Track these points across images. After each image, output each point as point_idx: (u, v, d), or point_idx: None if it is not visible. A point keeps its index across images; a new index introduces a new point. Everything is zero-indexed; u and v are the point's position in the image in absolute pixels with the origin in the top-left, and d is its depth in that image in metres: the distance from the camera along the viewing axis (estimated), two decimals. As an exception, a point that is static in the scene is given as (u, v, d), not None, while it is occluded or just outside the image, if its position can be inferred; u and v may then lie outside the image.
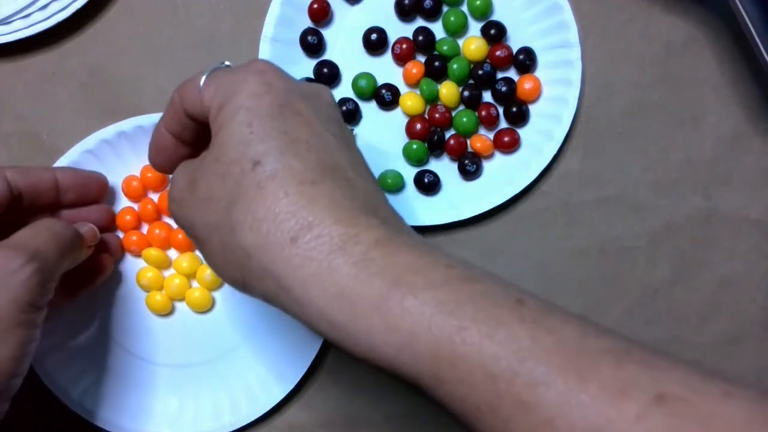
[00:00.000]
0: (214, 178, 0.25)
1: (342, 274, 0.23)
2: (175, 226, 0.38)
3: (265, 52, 0.37)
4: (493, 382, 0.21)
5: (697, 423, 0.19)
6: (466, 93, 0.38)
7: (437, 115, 0.38)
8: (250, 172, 0.24)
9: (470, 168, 0.38)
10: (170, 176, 0.32)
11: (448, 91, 0.38)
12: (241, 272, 0.25)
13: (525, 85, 0.38)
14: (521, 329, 0.22)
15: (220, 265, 0.26)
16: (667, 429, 0.19)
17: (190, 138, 0.29)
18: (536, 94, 0.38)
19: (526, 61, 0.38)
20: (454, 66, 0.38)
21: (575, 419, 0.20)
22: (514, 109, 0.38)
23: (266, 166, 0.24)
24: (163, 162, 0.30)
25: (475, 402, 0.21)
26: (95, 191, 0.37)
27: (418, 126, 0.38)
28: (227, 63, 0.28)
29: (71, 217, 0.36)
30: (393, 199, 0.38)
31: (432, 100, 0.38)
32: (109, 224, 0.38)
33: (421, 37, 0.38)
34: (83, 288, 0.36)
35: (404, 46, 0.38)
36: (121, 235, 0.38)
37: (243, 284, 0.26)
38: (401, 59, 0.38)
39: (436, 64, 0.38)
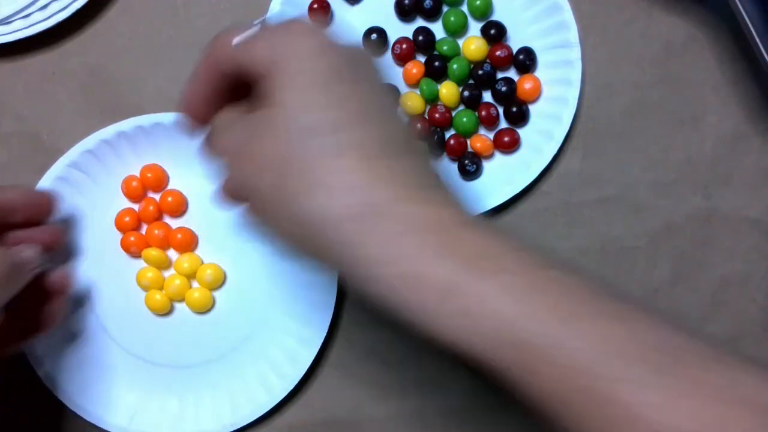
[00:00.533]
0: (270, 143, 0.24)
1: (409, 254, 0.22)
2: (174, 226, 0.38)
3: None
4: (567, 373, 0.21)
5: None
6: (466, 93, 0.38)
7: (437, 115, 0.38)
8: (311, 142, 0.24)
9: (470, 168, 0.38)
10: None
11: (448, 91, 0.38)
12: (299, 239, 0.25)
13: (525, 85, 0.38)
14: (598, 323, 0.21)
15: (278, 230, 0.25)
16: None
17: (225, 88, 0.28)
18: (536, 94, 0.38)
19: (526, 61, 0.38)
20: (454, 66, 0.38)
21: (663, 421, 0.20)
22: (514, 109, 0.38)
23: (329, 138, 0.23)
24: (197, 112, 0.28)
25: (546, 390, 0.21)
26: (45, 210, 0.35)
27: (418, 126, 0.38)
28: (264, 17, 0.27)
29: (18, 239, 0.34)
30: (393, 199, 0.38)
31: (432, 100, 0.38)
32: (58, 245, 0.36)
33: (421, 37, 0.38)
34: (33, 334, 0.35)
35: (404, 46, 0.38)
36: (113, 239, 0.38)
37: (299, 248, 0.25)
38: (401, 59, 0.38)
39: (436, 64, 0.38)
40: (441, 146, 0.38)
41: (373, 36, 0.38)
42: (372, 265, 0.23)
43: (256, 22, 0.27)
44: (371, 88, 0.25)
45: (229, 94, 0.28)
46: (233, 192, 0.27)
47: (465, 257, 0.22)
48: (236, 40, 0.26)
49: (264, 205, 0.26)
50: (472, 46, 0.38)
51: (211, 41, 0.27)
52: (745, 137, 0.39)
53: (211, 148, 0.28)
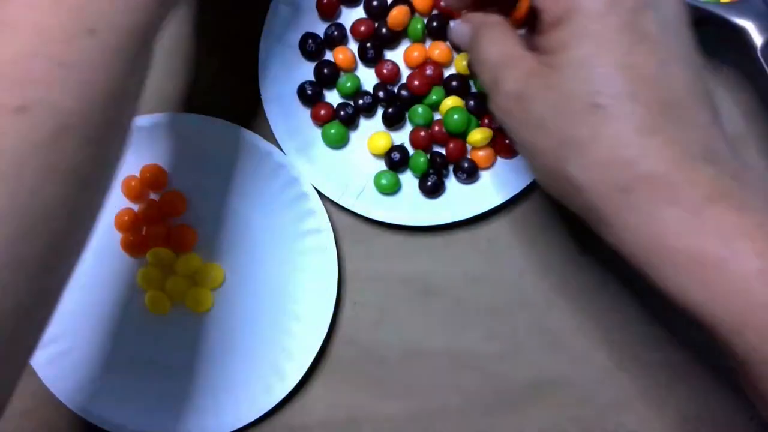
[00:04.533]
0: (547, 105, 0.25)
1: (668, 229, 0.23)
2: (173, 225, 0.38)
3: (265, 52, 0.37)
4: None
5: None
6: (471, 102, 0.38)
7: (437, 128, 0.38)
8: (587, 113, 0.24)
9: (460, 177, 0.38)
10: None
11: (453, 101, 0.38)
12: (562, 190, 0.26)
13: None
14: None
15: (540, 176, 0.27)
16: None
17: None
18: None
19: None
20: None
21: None
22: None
23: (604, 110, 0.23)
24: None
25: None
26: None
27: (422, 133, 0.38)
28: None
29: None
30: (392, 200, 0.38)
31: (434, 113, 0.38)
32: None
33: (428, 71, 0.38)
34: None
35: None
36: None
37: (559, 195, 0.26)
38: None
39: (454, 83, 0.38)
40: (442, 157, 0.38)
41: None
42: (623, 233, 0.24)
43: None
44: (664, 41, 0.24)
45: None
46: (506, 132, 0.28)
47: (721, 236, 0.22)
48: None
49: (517, 145, 0.27)
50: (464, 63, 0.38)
51: None
52: (745, 137, 0.39)
53: (474, 61, 0.29)
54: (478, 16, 0.30)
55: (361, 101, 0.38)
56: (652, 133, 0.23)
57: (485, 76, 0.28)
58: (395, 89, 0.38)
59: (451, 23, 0.34)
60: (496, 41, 0.28)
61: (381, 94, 0.38)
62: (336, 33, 0.38)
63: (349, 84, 0.38)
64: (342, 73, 0.38)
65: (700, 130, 0.24)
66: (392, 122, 0.38)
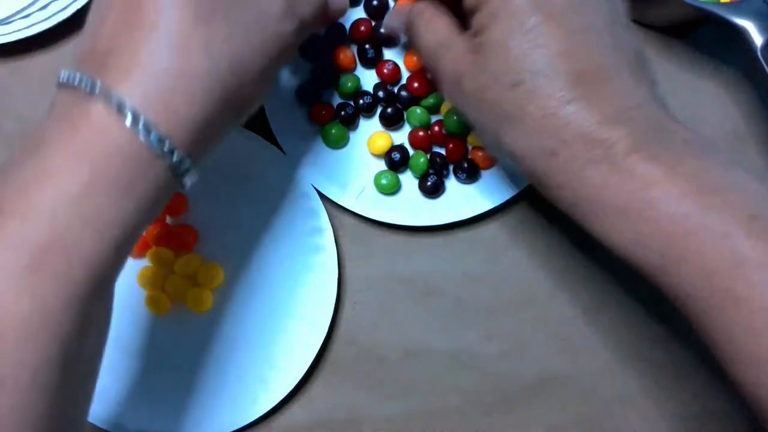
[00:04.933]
0: (479, 84, 0.27)
1: (593, 185, 0.25)
2: (173, 225, 0.38)
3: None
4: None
5: None
6: None
7: (437, 129, 0.38)
8: (510, 90, 0.26)
9: (460, 177, 0.38)
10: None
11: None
12: (508, 159, 0.28)
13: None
14: (747, 241, 0.23)
15: (489, 149, 0.31)
16: None
17: None
18: None
19: None
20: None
21: None
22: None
23: (524, 86, 0.26)
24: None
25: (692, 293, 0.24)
26: None
27: (420, 133, 0.38)
28: None
29: None
30: (392, 200, 0.38)
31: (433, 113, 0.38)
32: None
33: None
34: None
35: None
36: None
37: (509, 162, 0.29)
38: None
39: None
40: (443, 158, 0.38)
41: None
42: (558, 191, 0.27)
43: None
44: (576, 10, 0.26)
45: None
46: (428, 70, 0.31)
47: (641, 183, 0.25)
48: None
49: (473, 126, 0.30)
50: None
51: None
52: (745, 137, 0.39)
53: (415, 48, 0.31)
54: (411, 5, 0.32)
55: (361, 101, 0.38)
56: (569, 101, 0.25)
57: (427, 62, 0.31)
58: (395, 90, 0.38)
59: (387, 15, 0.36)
60: (429, 28, 0.30)
61: (380, 93, 0.38)
62: (336, 33, 0.38)
63: (349, 84, 0.38)
64: (342, 74, 0.38)
65: (616, 95, 0.26)
66: (391, 123, 0.38)
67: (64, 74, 0.25)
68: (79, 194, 0.23)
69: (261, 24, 0.27)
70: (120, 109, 0.24)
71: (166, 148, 0.24)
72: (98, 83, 0.24)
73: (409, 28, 0.32)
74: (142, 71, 0.24)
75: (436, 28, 0.30)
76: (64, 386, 0.24)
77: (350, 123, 0.38)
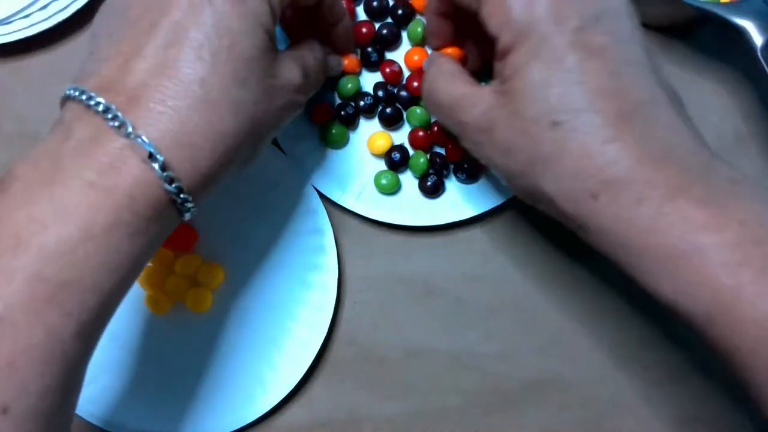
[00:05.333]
0: (512, 132, 0.26)
1: (635, 228, 0.24)
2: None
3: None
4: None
5: None
6: None
7: (436, 128, 0.38)
8: (549, 131, 0.25)
9: (460, 177, 0.38)
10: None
11: None
12: (539, 203, 0.28)
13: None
14: None
15: (517, 193, 0.29)
16: None
17: (454, 15, 0.31)
18: None
19: None
20: None
21: None
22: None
23: (564, 125, 0.25)
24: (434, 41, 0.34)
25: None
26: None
27: (420, 133, 0.38)
28: None
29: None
30: (392, 200, 0.38)
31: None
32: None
33: None
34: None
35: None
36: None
37: (538, 206, 0.28)
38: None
39: None
40: (442, 158, 0.38)
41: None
42: (598, 234, 0.26)
43: None
44: (617, 52, 0.25)
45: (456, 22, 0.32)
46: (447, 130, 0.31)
47: (681, 231, 0.24)
48: None
49: (498, 172, 0.29)
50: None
51: None
52: (745, 137, 0.39)
53: (431, 98, 0.31)
54: (426, 58, 0.33)
55: (362, 102, 0.38)
56: (611, 140, 0.24)
57: (446, 121, 0.30)
58: (395, 90, 0.38)
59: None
60: (449, 81, 0.30)
61: (380, 93, 0.38)
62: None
63: (349, 86, 0.38)
64: (344, 75, 0.38)
65: (658, 131, 0.25)
66: (390, 123, 0.38)
67: (82, 95, 0.25)
68: (100, 234, 0.23)
69: (283, 92, 0.28)
70: (150, 156, 0.24)
71: (181, 197, 0.25)
72: (128, 123, 0.24)
73: (426, 89, 0.31)
74: (173, 121, 0.25)
75: (456, 81, 0.29)
76: (65, 409, 0.25)
77: (350, 123, 0.38)
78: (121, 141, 0.24)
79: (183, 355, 0.38)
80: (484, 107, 0.28)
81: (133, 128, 0.24)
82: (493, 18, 0.27)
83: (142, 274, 0.38)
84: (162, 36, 0.25)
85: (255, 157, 0.29)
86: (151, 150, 0.24)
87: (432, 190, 0.38)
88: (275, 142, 0.37)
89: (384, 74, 0.38)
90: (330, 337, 0.38)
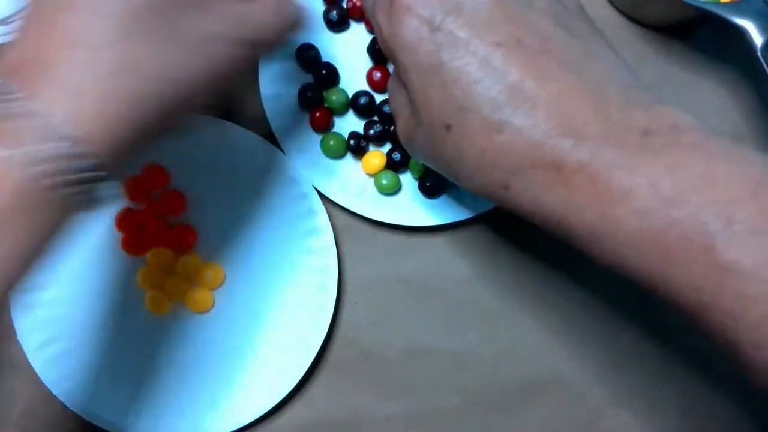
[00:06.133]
0: (424, 140, 0.27)
1: (552, 211, 0.24)
2: (173, 225, 0.38)
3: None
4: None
5: None
6: None
7: None
8: (446, 135, 0.26)
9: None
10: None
11: None
12: (481, 194, 0.27)
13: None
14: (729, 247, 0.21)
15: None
16: None
17: None
18: None
19: None
20: None
21: None
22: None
23: (454, 128, 0.25)
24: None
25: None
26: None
27: None
28: None
29: None
30: (392, 200, 0.38)
31: None
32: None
33: None
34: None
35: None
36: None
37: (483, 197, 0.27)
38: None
39: None
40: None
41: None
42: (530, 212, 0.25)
43: None
44: (471, 41, 0.25)
45: None
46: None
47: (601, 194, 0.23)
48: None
49: (435, 168, 0.29)
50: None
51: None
52: (745, 137, 0.39)
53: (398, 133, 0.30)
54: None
55: (371, 131, 0.38)
56: (499, 129, 0.24)
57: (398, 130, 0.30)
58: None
59: None
60: (392, 97, 0.30)
61: (387, 108, 0.37)
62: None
63: (334, 98, 0.38)
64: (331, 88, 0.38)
65: (551, 102, 0.24)
66: (399, 166, 0.38)
67: None
68: None
69: (202, 46, 0.26)
70: (43, 125, 0.22)
71: (85, 164, 0.23)
72: (19, 94, 0.22)
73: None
74: (68, 89, 0.23)
75: (391, 95, 0.30)
76: None
77: (360, 153, 0.38)
78: (17, 116, 0.22)
79: (183, 355, 0.38)
80: (405, 116, 0.29)
81: (26, 101, 0.22)
82: (382, 45, 0.28)
83: (142, 274, 0.38)
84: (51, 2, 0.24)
85: (192, 110, 0.27)
86: (45, 119, 0.22)
87: (432, 190, 0.38)
88: (275, 142, 0.37)
89: (370, 82, 0.38)
90: (330, 337, 0.38)
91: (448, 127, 0.25)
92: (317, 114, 0.38)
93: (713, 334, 0.23)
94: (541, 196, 0.24)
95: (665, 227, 0.22)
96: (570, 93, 0.24)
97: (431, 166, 0.29)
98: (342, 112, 0.38)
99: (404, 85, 0.27)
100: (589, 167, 0.23)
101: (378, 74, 0.38)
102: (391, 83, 0.30)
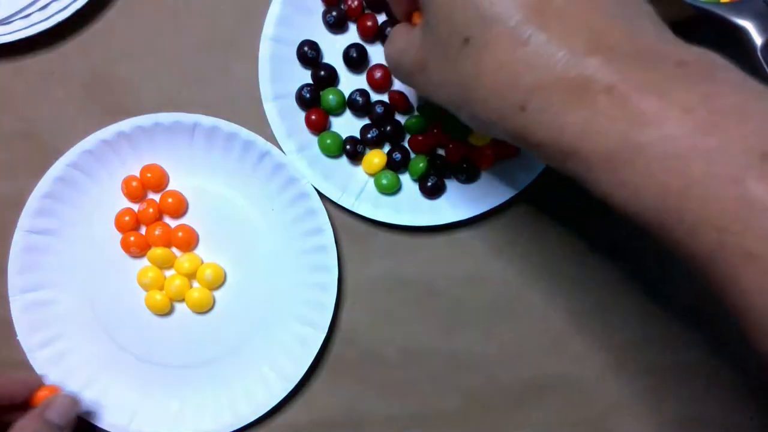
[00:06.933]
0: (438, 61, 0.25)
1: (571, 134, 0.22)
2: (173, 225, 0.38)
3: (265, 52, 0.37)
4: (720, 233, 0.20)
5: None
6: None
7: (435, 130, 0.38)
8: (463, 50, 0.24)
9: (460, 177, 0.38)
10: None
11: None
12: (489, 130, 0.25)
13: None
14: (759, 185, 0.19)
15: (472, 126, 0.26)
16: None
17: None
18: None
19: None
20: None
21: None
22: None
23: (474, 38, 0.23)
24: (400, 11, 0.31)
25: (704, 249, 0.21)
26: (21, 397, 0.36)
27: (420, 138, 0.38)
28: None
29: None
30: (392, 200, 0.38)
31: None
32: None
33: None
34: None
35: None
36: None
37: (493, 134, 0.26)
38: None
39: None
40: (442, 159, 0.38)
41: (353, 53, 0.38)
42: (539, 145, 0.23)
43: None
44: None
45: None
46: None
47: (623, 128, 0.21)
48: None
49: (451, 109, 0.26)
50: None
51: None
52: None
53: (396, 72, 0.29)
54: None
55: (369, 135, 0.38)
56: (525, 42, 0.22)
57: (403, 80, 0.29)
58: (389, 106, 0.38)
59: None
60: (393, 46, 0.29)
61: (379, 109, 0.37)
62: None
63: (330, 97, 0.38)
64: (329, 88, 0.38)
65: (582, 19, 0.22)
66: (399, 166, 0.38)
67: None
68: None
69: None
70: None
71: None
72: None
73: (385, 52, 0.31)
74: None
75: (400, 37, 0.29)
76: None
77: (357, 158, 0.38)
78: None
79: (183, 355, 0.38)
80: (416, 46, 0.27)
81: None
82: None
83: (142, 274, 0.38)
84: None
85: None
86: None
87: (432, 190, 0.38)
88: (276, 143, 0.37)
89: (371, 81, 0.38)
90: (330, 337, 0.38)
91: (467, 41, 0.23)
92: (312, 116, 0.38)
93: (725, 281, 0.21)
94: (560, 118, 0.22)
95: (693, 156, 0.20)
96: (605, 11, 0.23)
97: (441, 96, 0.27)
98: (338, 112, 0.38)
99: (423, 6, 0.26)
100: (618, 87, 0.21)
101: (378, 74, 0.38)
102: (398, 30, 0.29)
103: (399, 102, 0.38)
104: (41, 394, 0.36)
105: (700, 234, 0.20)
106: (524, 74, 0.22)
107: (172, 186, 0.39)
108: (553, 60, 0.22)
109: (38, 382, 0.36)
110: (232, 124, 0.37)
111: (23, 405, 0.36)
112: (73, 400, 0.35)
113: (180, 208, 0.38)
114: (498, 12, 0.23)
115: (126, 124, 0.37)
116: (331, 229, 0.37)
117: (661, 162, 0.20)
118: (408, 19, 0.31)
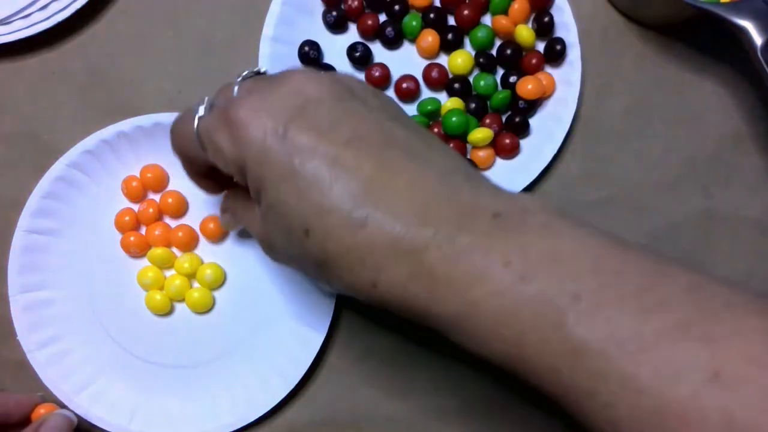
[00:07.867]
0: (285, 245, 0.26)
1: (419, 305, 0.24)
2: (173, 225, 0.38)
3: (265, 51, 0.37)
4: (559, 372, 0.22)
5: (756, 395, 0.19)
6: (472, 105, 0.38)
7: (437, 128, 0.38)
8: (306, 239, 0.25)
9: None
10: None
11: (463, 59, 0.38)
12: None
13: (528, 85, 0.38)
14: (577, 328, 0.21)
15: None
16: (722, 405, 0.19)
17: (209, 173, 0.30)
18: (550, 90, 0.38)
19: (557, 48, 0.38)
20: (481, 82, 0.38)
21: (632, 402, 0.21)
22: (517, 119, 0.38)
23: (316, 232, 0.24)
24: (207, 189, 0.33)
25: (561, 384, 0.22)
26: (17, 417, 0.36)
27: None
28: (242, 76, 0.29)
29: None
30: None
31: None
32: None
33: (434, 73, 0.38)
34: None
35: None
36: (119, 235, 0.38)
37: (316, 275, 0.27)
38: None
39: (456, 86, 0.38)
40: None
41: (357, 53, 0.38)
42: (395, 307, 0.24)
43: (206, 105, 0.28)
44: (327, 144, 0.24)
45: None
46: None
47: (465, 283, 0.23)
48: (196, 123, 0.27)
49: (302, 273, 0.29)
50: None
51: (171, 126, 0.30)
52: (745, 137, 0.39)
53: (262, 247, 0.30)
54: (229, 202, 0.33)
55: None
56: (361, 226, 0.23)
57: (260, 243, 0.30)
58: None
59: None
60: (240, 218, 0.31)
61: None
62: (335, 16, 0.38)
63: None
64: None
65: (405, 195, 0.24)
66: None
67: None
68: None
69: None
70: None
71: None
72: None
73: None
74: None
75: (246, 215, 0.30)
76: None
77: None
78: None
79: (183, 355, 0.38)
80: (258, 224, 0.28)
81: None
82: (217, 163, 0.27)
83: (142, 274, 0.38)
84: None
85: None
86: None
87: None
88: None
89: (369, 79, 0.38)
90: (330, 336, 0.38)
91: (307, 232, 0.24)
92: None
93: (577, 416, 0.23)
94: (408, 290, 0.23)
95: (519, 306, 0.22)
96: (422, 182, 0.24)
97: (296, 268, 0.28)
98: None
99: (256, 199, 0.27)
100: (447, 253, 0.23)
101: (377, 72, 0.38)
102: (235, 202, 0.31)
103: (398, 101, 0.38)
104: (39, 412, 0.36)
105: (545, 375, 0.22)
106: (368, 255, 0.24)
107: (172, 186, 0.39)
108: (391, 237, 0.23)
109: (34, 401, 0.36)
110: (232, 124, 0.37)
111: (18, 424, 0.36)
112: (69, 419, 0.36)
113: (180, 208, 0.38)
114: (332, 202, 0.24)
115: (126, 124, 0.37)
116: (331, 229, 0.37)
117: (495, 316, 0.22)
118: (215, 192, 0.33)
